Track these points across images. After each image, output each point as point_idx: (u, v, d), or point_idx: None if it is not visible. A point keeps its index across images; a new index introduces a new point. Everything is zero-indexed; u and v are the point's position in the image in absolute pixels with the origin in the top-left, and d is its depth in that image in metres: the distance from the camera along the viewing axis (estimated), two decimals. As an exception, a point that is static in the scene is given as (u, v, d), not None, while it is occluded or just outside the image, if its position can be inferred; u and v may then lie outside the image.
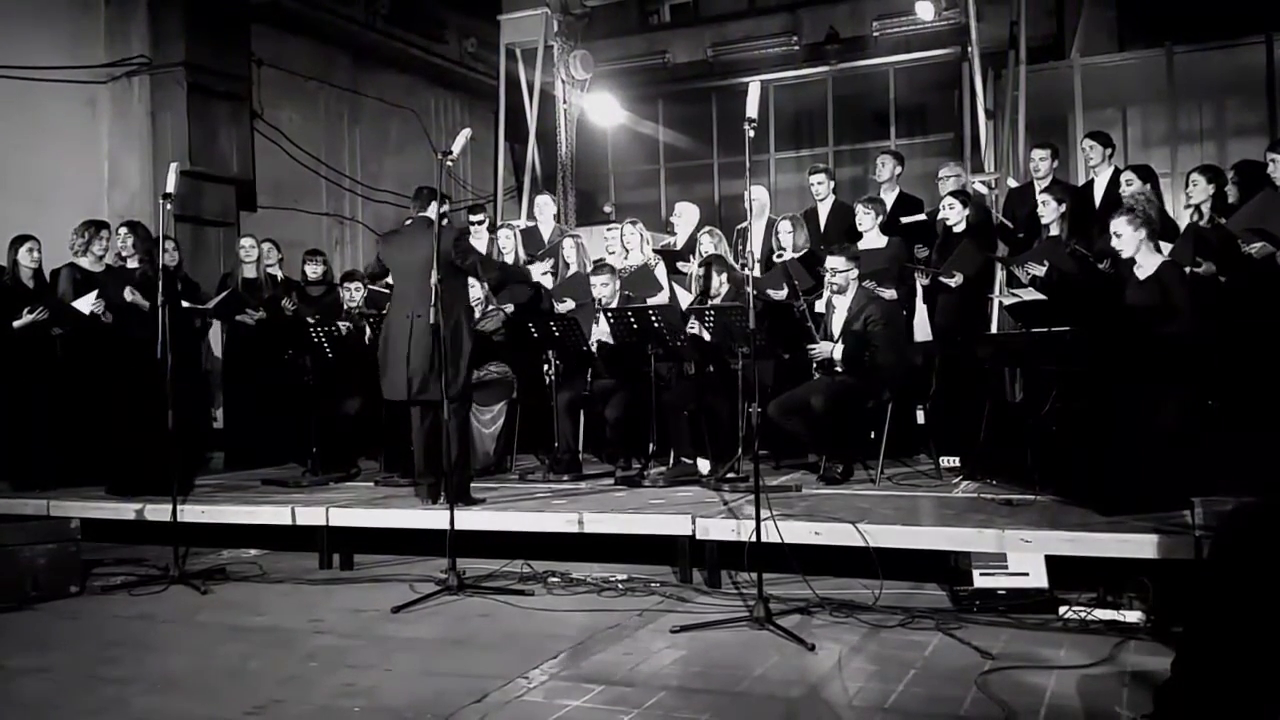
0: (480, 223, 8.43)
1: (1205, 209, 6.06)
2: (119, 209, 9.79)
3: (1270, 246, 5.46)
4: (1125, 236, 5.43)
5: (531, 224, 8.91)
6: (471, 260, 5.98)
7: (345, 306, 7.90)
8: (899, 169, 7.87)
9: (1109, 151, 6.98)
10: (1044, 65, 10.83)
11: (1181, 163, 10.04)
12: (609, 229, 8.15)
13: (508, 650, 4.10)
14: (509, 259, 8.11)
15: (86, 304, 7.22)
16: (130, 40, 10.13)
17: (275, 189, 11.32)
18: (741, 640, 4.12)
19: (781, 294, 6.82)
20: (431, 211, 5.81)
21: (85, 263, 7.55)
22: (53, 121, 9.70)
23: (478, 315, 7.06)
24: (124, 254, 7.63)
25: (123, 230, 7.64)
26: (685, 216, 7.98)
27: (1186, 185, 6.30)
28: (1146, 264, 5.41)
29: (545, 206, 8.84)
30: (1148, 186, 6.40)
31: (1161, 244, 5.69)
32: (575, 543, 5.46)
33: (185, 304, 7.70)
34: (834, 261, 6.40)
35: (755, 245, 7.32)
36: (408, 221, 6.29)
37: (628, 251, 7.63)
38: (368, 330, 7.37)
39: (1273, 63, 10.46)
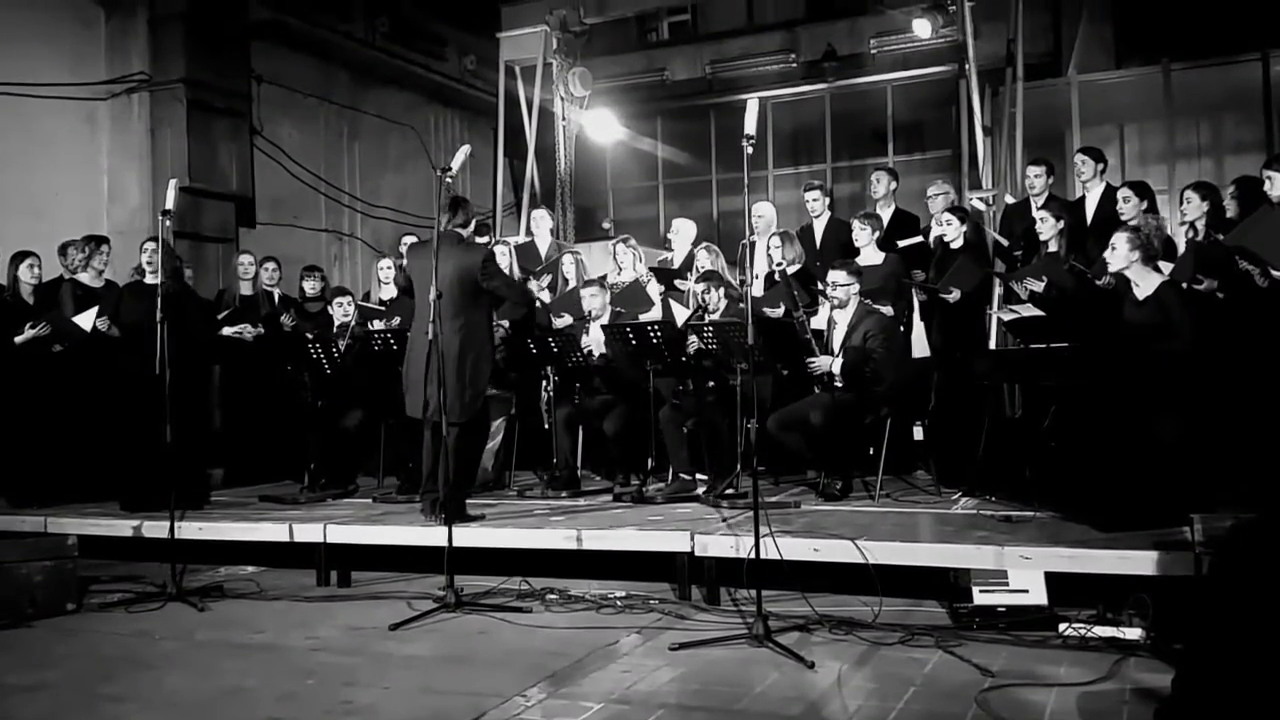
0: (486, 243, 8.45)
1: (1200, 225, 6.07)
2: (118, 225, 9.81)
3: (1253, 265, 5.45)
4: (1119, 252, 5.43)
5: (528, 239, 8.93)
6: (496, 284, 5.99)
7: (337, 323, 7.84)
8: (894, 185, 7.89)
9: (1101, 167, 7.00)
10: (1041, 82, 10.86)
11: (1179, 179, 10.05)
12: (611, 244, 8.18)
13: (505, 668, 4.09)
14: None
15: (88, 319, 7.22)
16: (130, 57, 10.17)
17: (274, 205, 11.33)
18: (740, 658, 4.11)
19: (778, 312, 6.83)
20: (463, 229, 5.84)
21: (85, 278, 7.55)
22: (53, 138, 9.72)
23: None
24: (149, 269, 7.59)
25: (150, 245, 7.60)
26: (683, 233, 8.01)
27: (1181, 202, 6.32)
28: (1144, 284, 5.42)
29: (541, 221, 8.86)
30: (1144, 207, 6.39)
31: (1161, 264, 5.70)
32: (573, 559, 5.46)
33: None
34: (835, 275, 6.40)
35: (760, 262, 7.34)
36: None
37: (620, 269, 7.65)
38: (364, 335, 7.34)
39: (1269, 80, 10.50)
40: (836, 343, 6.39)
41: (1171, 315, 5.25)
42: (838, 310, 6.45)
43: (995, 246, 7.35)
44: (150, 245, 7.53)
